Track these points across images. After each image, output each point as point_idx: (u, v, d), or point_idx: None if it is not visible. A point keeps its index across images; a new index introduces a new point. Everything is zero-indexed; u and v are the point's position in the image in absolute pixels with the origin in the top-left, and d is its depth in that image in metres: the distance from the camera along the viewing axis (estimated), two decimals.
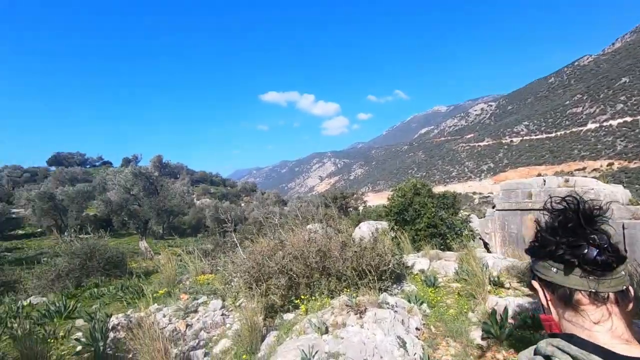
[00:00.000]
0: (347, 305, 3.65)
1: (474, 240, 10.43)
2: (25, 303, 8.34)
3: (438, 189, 13.54)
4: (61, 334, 4.36)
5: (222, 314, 4.19)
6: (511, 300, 4.23)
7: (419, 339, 3.54)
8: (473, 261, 5.43)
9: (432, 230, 9.48)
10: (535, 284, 0.86)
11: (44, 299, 8.87)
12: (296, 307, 4.22)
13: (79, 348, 3.71)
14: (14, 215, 33.09)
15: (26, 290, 10.33)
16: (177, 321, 4.17)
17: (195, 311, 4.46)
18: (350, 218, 17.69)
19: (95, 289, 8.88)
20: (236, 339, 3.64)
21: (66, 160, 66.77)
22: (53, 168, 60.16)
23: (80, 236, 13.33)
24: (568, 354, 0.73)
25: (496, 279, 5.44)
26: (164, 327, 3.94)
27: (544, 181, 9.85)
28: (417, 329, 3.73)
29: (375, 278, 4.41)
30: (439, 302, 4.86)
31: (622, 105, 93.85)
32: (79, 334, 4.24)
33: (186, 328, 4.00)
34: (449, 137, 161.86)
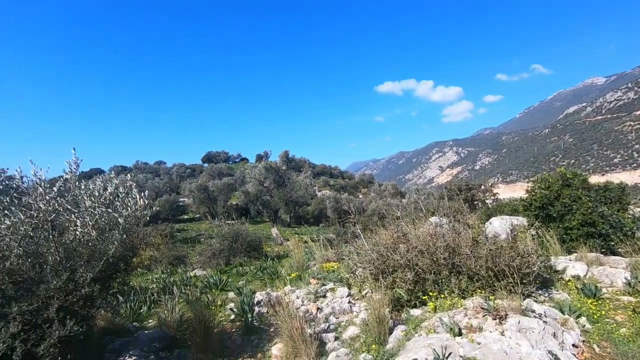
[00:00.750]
0: (482, 308, 3.34)
1: None
2: (191, 274, 10.36)
3: (593, 179, 11.14)
4: (218, 302, 5.26)
5: (349, 302, 4.37)
6: None
7: (577, 358, 2.99)
8: None
9: (588, 230, 7.85)
10: None
11: (204, 272, 10.85)
12: (423, 303, 4.07)
13: (232, 317, 4.41)
14: (180, 203, 41.20)
15: (191, 263, 12.84)
16: (309, 304, 4.54)
17: (324, 296, 4.76)
18: (479, 212, 16.11)
19: (240, 268, 10.39)
20: (364, 328, 3.74)
21: (215, 157, 79.73)
22: (206, 165, 72.76)
23: (227, 222, 15.82)
24: None
25: None
26: (298, 308, 4.34)
27: None
28: (574, 345, 3.15)
29: (517, 281, 3.90)
30: (603, 317, 4.00)
31: None
32: (232, 304, 5.04)
33: (317, 311, 4.32)
34: (608, 115, 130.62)
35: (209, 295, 6.37)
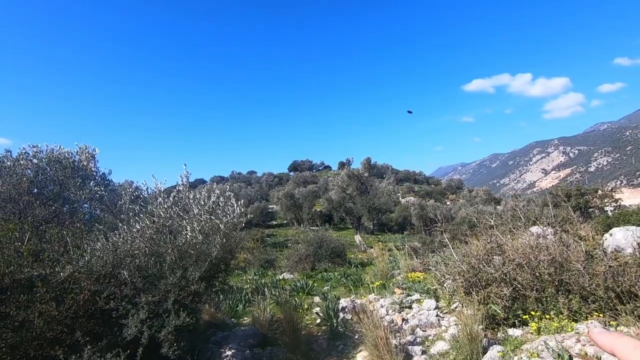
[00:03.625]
0: None
1: None
2: (280, 277, 10.98)
3: None
4: (305, 306, 5.48)
5: (437, 315, 4.15)
6: None
7: None
8: None
9: None
10: None
11: (291, 275, 11.41)
12: (524, 323, 3.65)
13: (318, 320, 4.56)
14: (270, 210, 44.01)
15: (280, 267, 13.62)
16: (394, 314, 4.44)
17: (410, 307, 4.61)
18: (595, 222, 13.81)
19: (325, 273, 10.66)
20: (454, 344, 3.52)
21: (300, 166, 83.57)
22: (292, 173, 76.73)
23: (312, 228, 16.43)
24: None
25: None
26: (383, 317, 4.28)
27: None
28: None
29: None
30: None
31: None
32: (317, 309, 5.21)
33: (402, 322, 4.20)
34: None
35: (296, 298, 6.69)
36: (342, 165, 70.76)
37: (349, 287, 7.48)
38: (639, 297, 3.35)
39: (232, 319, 5.16)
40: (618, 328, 2.98)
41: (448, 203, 49.42)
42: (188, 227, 3.07)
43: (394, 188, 46.25)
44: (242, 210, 3.32)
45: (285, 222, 40.94)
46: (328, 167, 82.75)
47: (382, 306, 4.74)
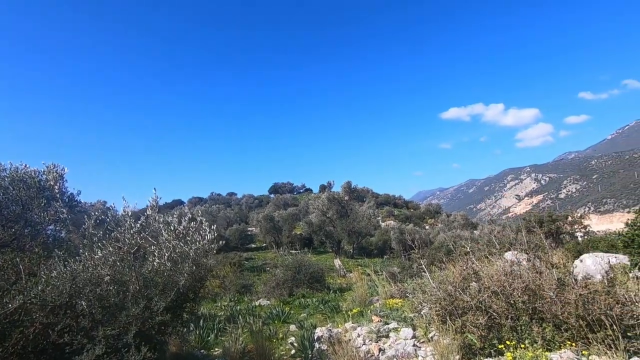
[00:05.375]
0: None
1: None
2: (256, 304, 10.61)
3: None
4: (280, 335, 5.28)
5: (414, 345, 4.06)
6: None
7: None
8: None
9: None
10: None
11: (268, 302, 11.06)
12: (499, 352, 3.62)
13: (293, 351, 4.37)
14: (249, 232, 43.14)
15: (256, 292, 13.21)
16: (370, 343, 4.32)
17: (387, 336, 4.50)
18: (566, 248, 14.23)
19: (303, 299, 10.39)
20: None
21: (280, 188, 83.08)
22: (272, 195, 76.06)
23: (292, 251, 16.15)
24: None
25: None
26: (359, 347, 4.15)
27: None
28: None
29: (618, 334, 3.29)
30: None
31: None
32: (292, 338, 5.02)
33: (379, 352, 4.08)
34: None
35: (271, 327, 6.44)
36: (323, 188, 70.88)
37: (326, 314, 7.29)
38: (610, 326, 3.39)
39: (202, 350, 4.89)
40: (590, 357, 2.99)
41: (427, 227, 49.96)
42: (156, 252, 2.92)
43: (374, 212, 46.50)
44: (214, 235, 3.21)
45: (264, 245, 40.12)
46: (309, 190, 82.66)
47: (358, 335, 4.61)
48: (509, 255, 6.27)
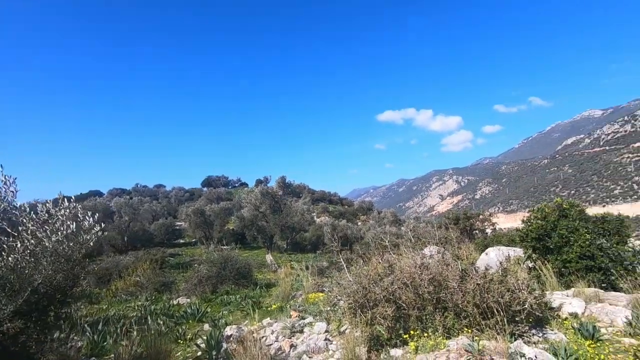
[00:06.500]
0: (466, 351, 3.02)
1: None
2: (174, 303, 9.90)
3: (594, 211, 10.88)
4: (189, 336, 4.89)
5: (326, 339, 4.02)
6: None
7: None
8: None
9: (587, 263, 7.50)
10: None
11: (188, 300, 10.40)
12: (404, 342, 3.73)
13: (199, 353, 4.06)
14: (177, 227, 40.63)
15: (177, 290, 12.36)
16: (283, 340, 4.18)
17: (301, 331, 4.41)
18: (476, 242, 15.73)
19: (226, 296, 9.95)
20: None
21: (214, 182, 79.69)
22: (205, 189, 72.60)
23: (222, 247, 15.46)
24: None
25: None
26: (271, 345, 3.99)
27: None
28: None
29: (505, 319, 3.58)
30: None
31: None
32: (203, 338, 4.67)
33: (290, 349, 3.96)
34: (607, 147, 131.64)
35: (184, 327, 5.99)
36: (259, 182, 69.60)
37: (246, 311, 7.02)
38: (498, 312, 3.68)
39: (93, 358, 4.30)
40: (480, 342, 3.19)
41: (359, 223, 51.93)
42: (18, 244, 2.40)
43: (309, 208, 46.92)
44: (93, 224, 2.74)
45: (194, 240, 38.14)
46: (245, 185, 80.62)
47: (273, 332, 4.45)
48: (428, 249, 6.61)
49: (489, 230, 25.71)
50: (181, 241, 39.28)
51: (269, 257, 24.70)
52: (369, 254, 7.22)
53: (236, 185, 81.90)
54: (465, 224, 24.17)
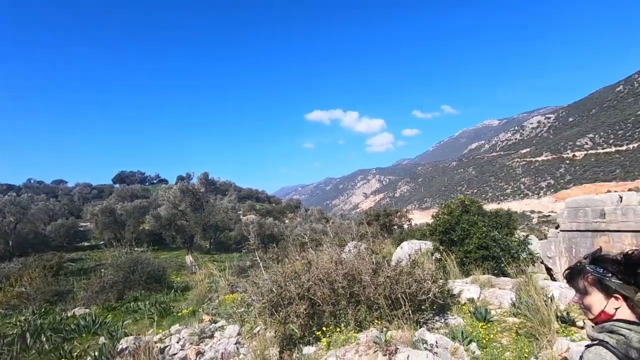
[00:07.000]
0: (375, 343, 3.07)
1: (534, 265, 9.17)
2: (69, 314, 8.64)
3: (491, 207, 12.32)
4: (76, 352, 4.23)
5: (237, 342, 3.79)
6: None
7: None
8: (534, 291, 4.54)
9: (483, 253, 8.44)
10: (593, 282, 1.38)
11: (87, 310, 9.16)
12: (317, 339, 3.69)
13: None
14: (81, 228, 35.93)
15: (75, 300, 10.83)
16: (190, 347, 3.84)
17: (211, 336, 4.11)
18: (393, 237, 16.78)
19: (134, 303, 8.99)
20: None
21: (128, 178, 72.35)
22: (117, 185, 65.43)
23: (136, 249, 13.97)
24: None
25: (565, 314, 4.49)
26: (175, 354, 3.62)
27: (621, 197, 8.44)
28: None
29: (412, 309, 3.76)
30: (491, 340, 4.05)
31: None
32: (92, 354, 4.08)
33: (196, 357, 3.65)
34: (502, 152, 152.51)
35: (74, 342, 5.19)
36: (181, 179, 65.17)
37: (154, 318, 6.38)
38: (405, 302, 3.85)
39: None
40: (388, 333, 3.29)
41: (286, 221, 51.93)
42: None
43: (234, 206, 45.42)
44: None
45: (102, 242, 34.10)
46: (164, 181, 74.80)
47: (179, 340, 4.06)
48: (349, 245, 6.73)
49: (406, 226, 27.71)
50: (86, 244, 34.90)
51: (188, 258, 23.20)
52: (290, 252, 7.13)
53: (154, 181, 75.60)
54: (385, 220, 25.68)
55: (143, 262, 11.22)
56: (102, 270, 14.65)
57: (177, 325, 4.98)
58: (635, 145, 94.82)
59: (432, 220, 9.88)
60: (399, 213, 26.94)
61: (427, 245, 10.62)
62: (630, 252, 1.38)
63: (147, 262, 11.39)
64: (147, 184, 72.69)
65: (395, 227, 27.08)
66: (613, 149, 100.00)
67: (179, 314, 5.68)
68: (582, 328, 4.34)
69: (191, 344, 3.95)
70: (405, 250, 10.25)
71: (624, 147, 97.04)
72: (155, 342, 4.08)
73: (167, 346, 3.89)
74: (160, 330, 4.70)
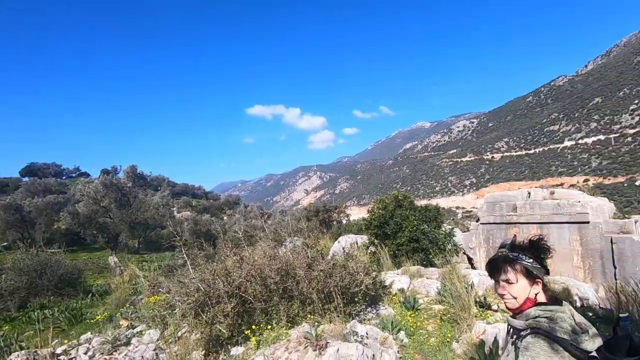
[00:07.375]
0: (305, 338, 2.98)
1: (457, 255, 9.91)
2: None
3: (422, 203, 13.07)
4: None
5: (156, 348, 3.44)
6: (501, 328, 3.63)
7: None
8: (457, 279, 4.85)
9: (414, 245, 8.91)
10: (520, 268, 1.41)
11: None
12: (247, 338, 3.51)
13: None
14: None
15: None
16: (100, 358, 3.40)
17: (127, 343, 3.69)
18: (332, 232, 17.04)
19: (39, 311, 7.88)
20: None
21: (41, 171, 63.81)
22: (26, 179, 57.38)
23: (50, 250, 12.22)
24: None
25: (482, 299, 4.86)
26: None
27: (529, 193, 9.48)
28: None
29: (344, 302, 3.75)
30: (418, 328, 4.23)
31: (595, 124, 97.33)
32: None
33: None
34: (432, 153, 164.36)
35: None
36: (105, 173, 59.20)
37: (63, 328, 5.63)
38: (338, 295, 3.84)
39: None
40: (320, 327, 3.23)
41: (225, 218, 50.13)
42: None
43: (167, 202, 42.59)
44: None
45: (5, 244, 29.62)
46: (86, 175, 67.43)
47: (87, 350, 3.58)
48: (288, 240, 6.57)
49: (344, 221, 28.39)
50: None
51: (112, 259, 21.14)
52: (222, 249, 6.78)
53: (73, 175, 67.79)
54: (325, 215, 26.02)
55: (53, 264, 9.90)
56: (2, 275, 12.66)
57: (89, 333, 4.42)
58: (540, 149, 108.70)
59: (368, 215, 10.19)
60: (338, 209, 27.53)
61: (363, 239, 10.93)
62: (533, 238, 1.45)
63: (59, 265, 10.07)
64: (64, 177, 64.75)
65: (335, 222, 27.64)
66: (524, 152, 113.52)
67: (93, 321, 5.06)
68: (497, 311, 4.74)
69: (102, 353, 3.50)
70: (342, 244, 10.42)
71: (532, 151, 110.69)
72: (59, 355, 3.55)
73: (72, 358, 3.40)
74: (67, 341, 4.11)
